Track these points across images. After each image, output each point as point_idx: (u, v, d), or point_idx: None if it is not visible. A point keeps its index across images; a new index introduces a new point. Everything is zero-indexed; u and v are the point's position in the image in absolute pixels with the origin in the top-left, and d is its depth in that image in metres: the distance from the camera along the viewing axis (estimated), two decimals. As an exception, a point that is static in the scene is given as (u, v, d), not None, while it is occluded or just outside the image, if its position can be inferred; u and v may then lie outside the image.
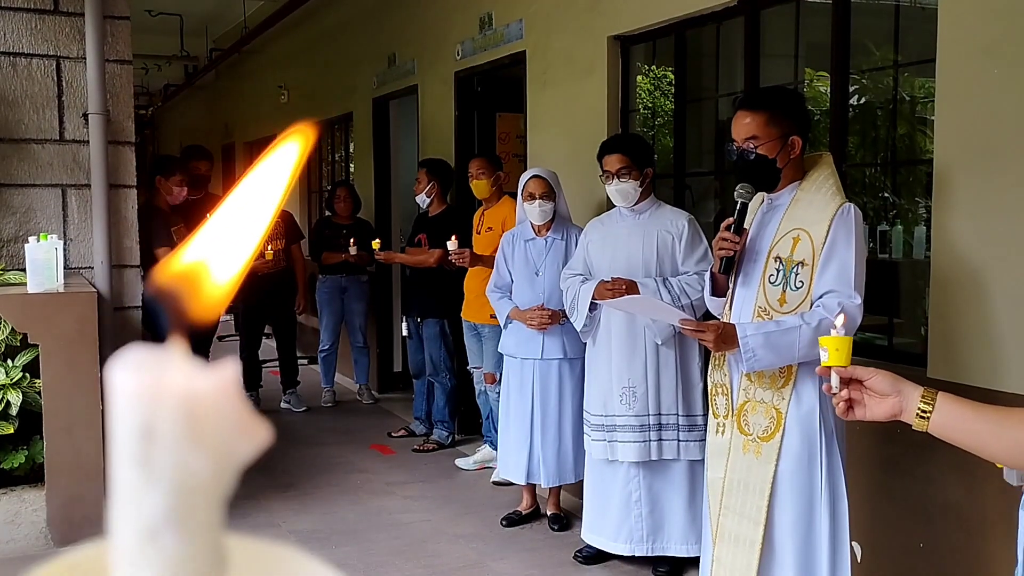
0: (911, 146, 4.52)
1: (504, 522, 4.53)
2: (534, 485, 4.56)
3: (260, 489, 5.05)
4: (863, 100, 4.42)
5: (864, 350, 3.43)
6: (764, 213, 2.88)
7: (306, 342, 8.94)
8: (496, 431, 5.18)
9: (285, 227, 6.86)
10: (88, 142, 4.50)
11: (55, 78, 4.52)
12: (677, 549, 3.86)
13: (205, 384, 0.36)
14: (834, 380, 1.53)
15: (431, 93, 6.68)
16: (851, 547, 2.83)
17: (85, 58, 4.47)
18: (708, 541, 2.94)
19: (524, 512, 4.59)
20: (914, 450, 3.15)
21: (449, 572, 4.02)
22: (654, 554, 3.88)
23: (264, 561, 0.40)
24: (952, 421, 1.44)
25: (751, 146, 2.78)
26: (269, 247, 6.48)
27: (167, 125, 17.53)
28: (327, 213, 7.41)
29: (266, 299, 6.64)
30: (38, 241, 3.94)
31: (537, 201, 4.35)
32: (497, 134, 6.47)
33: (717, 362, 2.96)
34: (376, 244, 6.03)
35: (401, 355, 7.48)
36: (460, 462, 5.56)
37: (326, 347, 7.22)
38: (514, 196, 5.29)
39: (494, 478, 5.19)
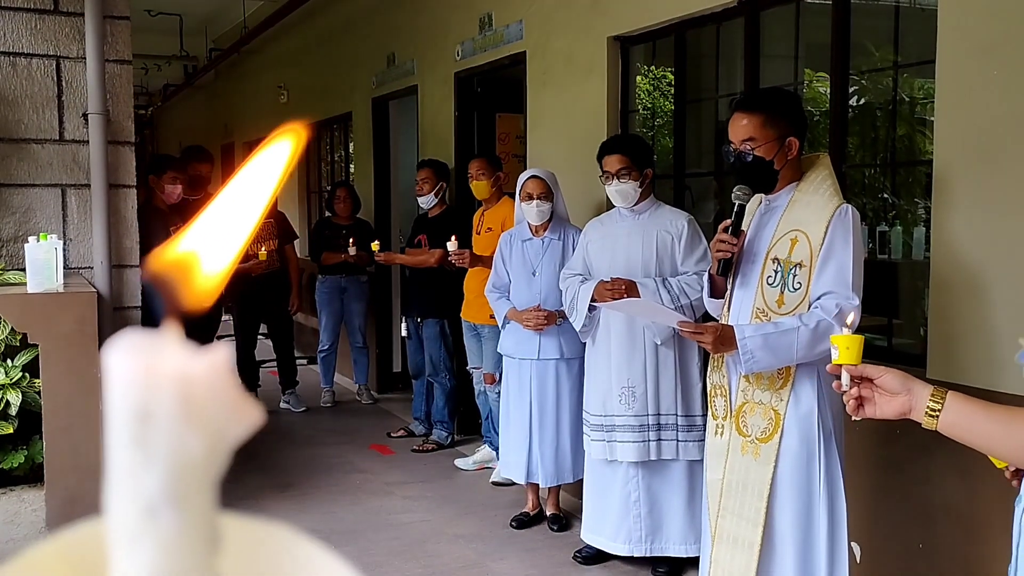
0: (910, 147, 4.53)
1: (513, 523, 4.53)
2: (537, 485, 4.56)
3: (259, 489, 5.05)
4: (863, 101, 4.42)
5: (863, 351, 3.43)
6: (762, 215, 2.88)
7: (305, 342, 8.94)
8: (496, 431, 5.19)
9: (278, 227, 6.84)
10: (88, 142, 4.50)
11: (55, 78, 4.52)
12: (676, 549, 3.86)
13: (199, 366, 0.37)
14: (844, 378, 1.54)
15: (431, 93, 6.68)
16: (850, 547, 2.83)
17: (85, 58, 4.47)
18: (707, 542, 2.94)
19: (532, 513, 4.60)
20: (913, 451, 3.16)
21: (448, 572, 4.02)
22: (653, 554, 3.88)
23: (256, 538, 0.42)
24: (962, 420, 1.44)
25: (748, 148, 2.79)
26: (263, 248, 6.45)
27: (167, 125, 17.53)
28: (327, 213, 7.41)
29: (260, 299, 6.64)
30: (38, 241, 3.94)
31: (535, 201, 4.35)
32: (497, 134, 6.47)
33: (716, 363, 2.96)
34: (375, 246, 6.03)
35: (401, 355, 7.48)
36: (459, 462, 5.56)
37: (325, 347, 7.22)
38: (514, 197, 5.30)
39: (493, 478, 5.20)
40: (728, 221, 2.82)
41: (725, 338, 2.74)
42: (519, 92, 5.64)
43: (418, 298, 5.95)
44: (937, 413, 1.45)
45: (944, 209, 3.08)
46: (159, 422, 0.36)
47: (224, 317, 7.27)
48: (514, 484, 4.79)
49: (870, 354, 3.38)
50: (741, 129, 2.80)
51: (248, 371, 6.94)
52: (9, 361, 4.04)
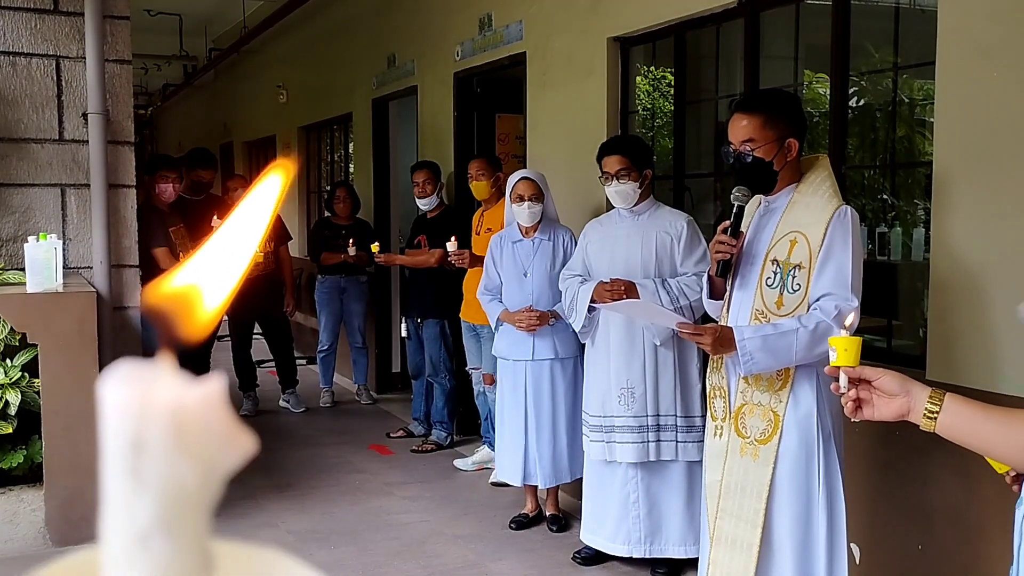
0: (910, 148, 4.53)
1: (513, 525, 4.53)
2: (535, 487, 4.56)
3: (259, 489, 5.05)
4: (862, 102, 4.42)
5: (863, 352, 3.43)
6: (761, 216, 2.88)
7: (305, 342, 8.94)
8: (494, 432, 5.19)
9: (274, 229, 6.85)
10: (87, 142, 4.50)
11: (55, 78, 4.52)
12: (675, 550, 3.86)
13: (192, 397, 0.38)
14: (842, 380, 1.53)
15: (431, 94, 6.68)
16: (849, 549, 2.83)
17: (85, 58, 4.47)
18: (705, 543, 2.94)
19: (531, 515, 4.60)
20: (912, 452, 3.16)
21: (448, 573, 4.02)
22: (652, 555, 3.88)
23: (251, 565, 0.42)
24: (960, 422, 1.44)
25: (748, 149, 2.79)
26: (259, 249, 6.46)
27: (166, 125, 17.53)
28: (326, 213, 7.41)
29: (252, 301, 6.63)
30: (37, 241, 3.94)
31: (526, 203, 4.36)
32: (496, 135, 6.47)
33: (715, 365, 2.96)
34: (375, 247, 6.02)
35: (400, 356, 7.48)
36: (459, 463, 5.56)
37: (325, 347, 7.22)
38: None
39: (493, 479, 5.19)
40: (727, 222, 2.82)
41: (724, 339, 2.74)
42: (519, 93, 5.64)
43: (418, 298, 5.95)
44: (935, 415, 1.45)
45: (944, 210, 3.09)
46: (152, 452, 0.37)
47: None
48: (512, 485, 4.79)
49: (870, 355, 3.39)
50: (741, 130, 2.80)
51: (245, 371, 6.95)
52: (8, 361, 4.04)
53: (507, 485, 4.93)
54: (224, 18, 11.01)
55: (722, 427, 2.90)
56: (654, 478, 3.86)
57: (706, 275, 3.06)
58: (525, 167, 5.33)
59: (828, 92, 3.77)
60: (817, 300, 2.68)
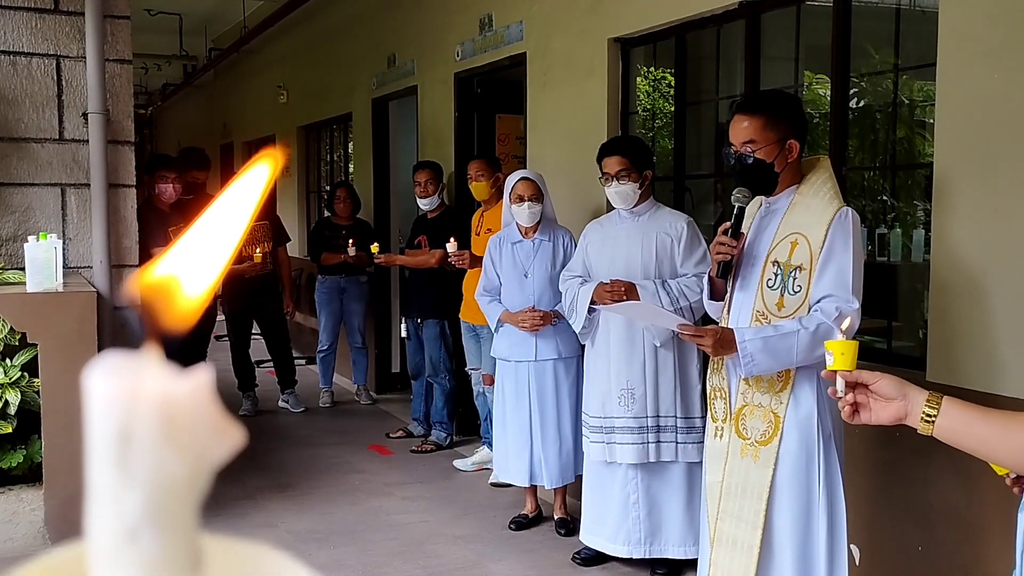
0: (910, 150, 4.53)
1: (512, 526, 4.52)
2: (535, 487, 4.56)
3: (258, 489, 5.05)
4: (863, 103, 4.42)
5: (863, 353, 3.42)
6: (762, 217, 2.88)
7: (304, 342, 8.94)
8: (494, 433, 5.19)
9: (273, 230, 6.86)
10: (87, 141, 4.50)
11: (55, 77, 4.52)
12: (675, 551, 3.86)
13: (180, 388, 0.37)
14: (839, 384, 1.53)
15: (431, 94, 6.68)
16: (849, 550, 2.83)
17: (85, 57, 4.47)
18: (706, 545, 2.94)
19: (531, 515, 4.59)
20: (912, 453, 3.16)
21: (447, 573, 4.02)
22: (652, 556, 3.88)
23: (240, 559, 0.42)
24: (957, 425, 1.44)
25: (749, 150, 2.78)
26: (258, 250, 6.48)
27: (166, 124, 17.53)
28: (326, 213, 7.41)
29: (250, 300, 6.64)
30: (37, 240, 3.94)
31: (526, 203, 4.35)
32: (496, 135, 6.47)
33: (715, 366, 2.96)
34: (375, 248, 6.02)
35: (400, 356, 7.48)
36: (458, 463, 5.56)
37: (324, 347, 7.22)
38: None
39: (492, 479, 5.19)
40: (728, 223, 2.82)
41: (725, 341, 2.74)
42: (519, 93, 5.64)
43: (418, 299, 5.95)
44: (933, 418, 1.45)
45: (944, 212, 3.09)
46: (140, 444, 0.37)
47: (218, 317, 7.28)
48: (512, 485, 4.78)
49: (870, 357, 3.39)
50: (742, 131, 2.80)
51: (244, 371, 6.94)
52: (8, 360, 4.04)
53: (507, 485, 4.93)
54: (224, 18, 11.00)
55: (722, 428, 2.89)
56: (654, 479, 3.86)
57: (707, 276, 3.06)
58: (525, 168, 5.33)
59: (828, 93, 3.77)
60: (818, 302, 2.68)
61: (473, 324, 5.24)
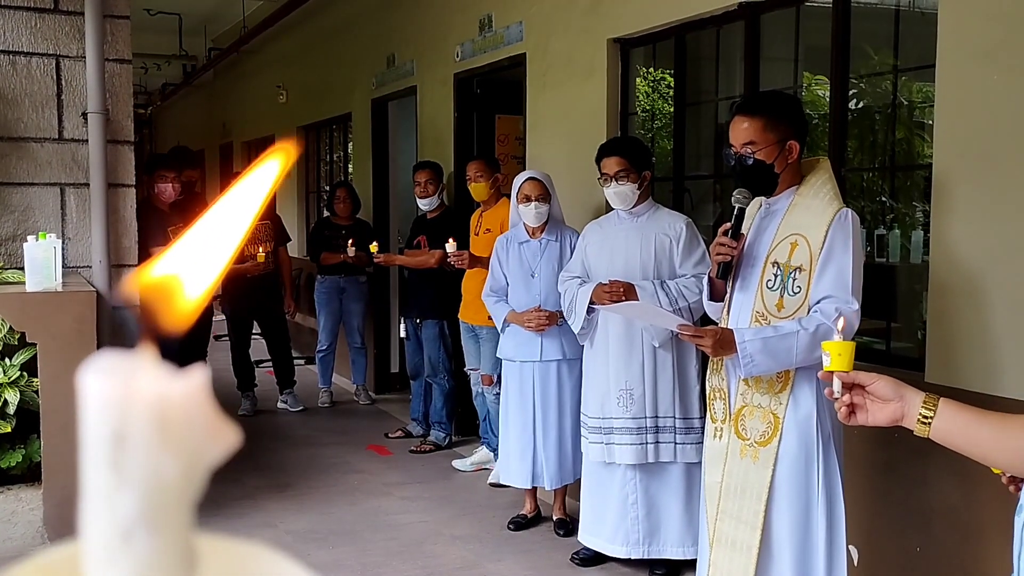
0: (909, 151, 4.53)
1: (511, 526, 4.52)
2: (535, 488, 4.56)
3: (257, 489, 5.05)
4: (862, 104, 4.43)
5: (862, 354, 3.43)
6: (762, 218, 2.88)
7: (304, 342, 8.94)
8: (493, 433, 5.18)
9: (275, 230, 6.88)
10: (87, 141, 4.49)
11: (54, 77, 4.52)
12: (673, 552, 3.86)
13: (175, 389, 0.37)
14: (836, 385, 1.53)
15: (430, 94, 6.68)
16: (848, 551, 2.83)
17: (84, 57, 4.47)
18: (705, 545, 2.94)
19: (530, 515, 4.59)
20: (911, 454, 3.16)
21: (446, 573, 4.02)
22: (650, 556, 3.88)
23: (235, 560, 0.41)
24: (954, 427, 1.44)
25: (749, 151, 2.79)
26: (261, 249, 6.50)
27: (165, 124, 17.52)
28: (326, 213, 7.41)
29: (251, 299, 6.64)
30: (36, 240, 3.94)
31: (533, 203, 4.35)
32: (496, 136, 6.47)
33: (715, 367, 2.97)
34: (374, 247, 6.02)
35: (399, 356, 7.48)
36: (457, 463, 5.56)
37: (324, 347, 7.22)
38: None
39: (491, 479, 5.19)
40: (728, 224, 2.83)
41: (725, 341, 2.74)
42: (519, 93, 5.64)
43: (417, 299, 5.95)
44: (929, 420, 1.45)
45: (943, 213, 3.09)
46: (134, 445, 0.36)
47: (218, 317, 7.29)
48: (511, 486, 4.78)
49: (869, 358, 3.39)
50: (742, 132, 2.80)
51: (243, 371, 6.94)
52: (7, 360, 4.04)
53: (506, 486, 4.93)
54: (224, 18, 11.00)
55: (722, 429, 2.90)
56: (653, 479, 3.86)
57: (706, 277, 3.06)
58: (525, 168, 5.33)
59: (828, 94, 3.77)
60: (818, 302, 2.69)
61: (472, 324, 5.24)
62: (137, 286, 0.41)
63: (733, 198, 2.83)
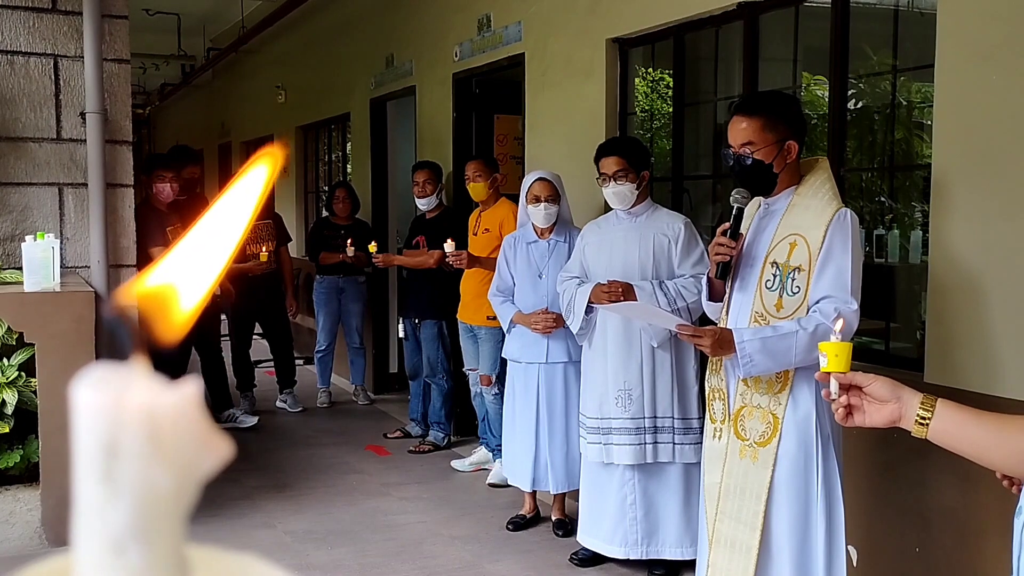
0: (908, 151, 4.53)
1: (510, 526, 4.52)
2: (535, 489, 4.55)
3: (256, 489, 5.04)
4: (861, 105, 4.43)
5: (861, 354, 3.44)
6: (761, 218, 2.88)
7: (302, 343, 8.94)
8: (492, 433, 5.18)
9: (276, 230, 6.88)
10: (85, 141, 4.49)
11: (52, 77, 4.51)
12: (672, 552, 3.86)
13: (167, 400, 0.37)
14: (833, 386, 1.52)
15: (429, 94, 6.68)
16: (847, 551, 2.83)
17: (83, 57, 4.46)
18: (704, 546, 2.94)
19: (529, 516, 4.59)
20: (910, 455, 3.16)
21: (444, 573, 4.01)
22: (649, 557, 3.88)
23: (227, 571, 0.41)
24: (952, 428, 1.43)
25: (747, 151, 2.78)
26: (264, 248, 6.51)
27: (164, 124, 17.51)
28: (325, 213, 7.41)
29: (253, 300, 6.63)
30: (35, 240, 3.94)
31: (542, 204, 4.33)
32: (495, 136, 6.47)
33: (714, 367, 2.96)
34: (373, 247, 6.01)
35: (397, 356, 7.47)
36: (456, 464, 5.55)
37: (322, 348, 7.21)
38: (511, 198, 5.29)
39: (490, 480, 5.19)
40: (727, 224, 2.82)
41: (724, 341, 2.74)
42: (517, 93, 5.64)
43: (416, 299, 5.94)
44: (927, 421, 1.44)
45: (943, 213, 3.09)
46: (127, 457, 0.36)
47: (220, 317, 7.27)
48: (510, 486, 4.78)
49: (868, 358, 3.39)
50: (740, 133, 2.80)
51: (243, 371, 6.94)
52: (5, 360, 4.03)
53: (504, 486, 4.92)
54: (222, 18, 10.99)
55: (721, 429, 2.89)
56: (651, 480, 3.85)
57: (705, 277, 3.06)
58: (524, 168, 5.33)
59: (827, 94, 3.77)
60: (816, 303, 2.68)
61: (470, 325, 5.23)
62: (131, 296, 0.41)
63: (732, 198, 2.83)
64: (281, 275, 6.92)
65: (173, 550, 0.38)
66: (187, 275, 0.42)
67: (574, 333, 3.99)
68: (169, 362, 0.40)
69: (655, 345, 3.78)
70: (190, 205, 5.96)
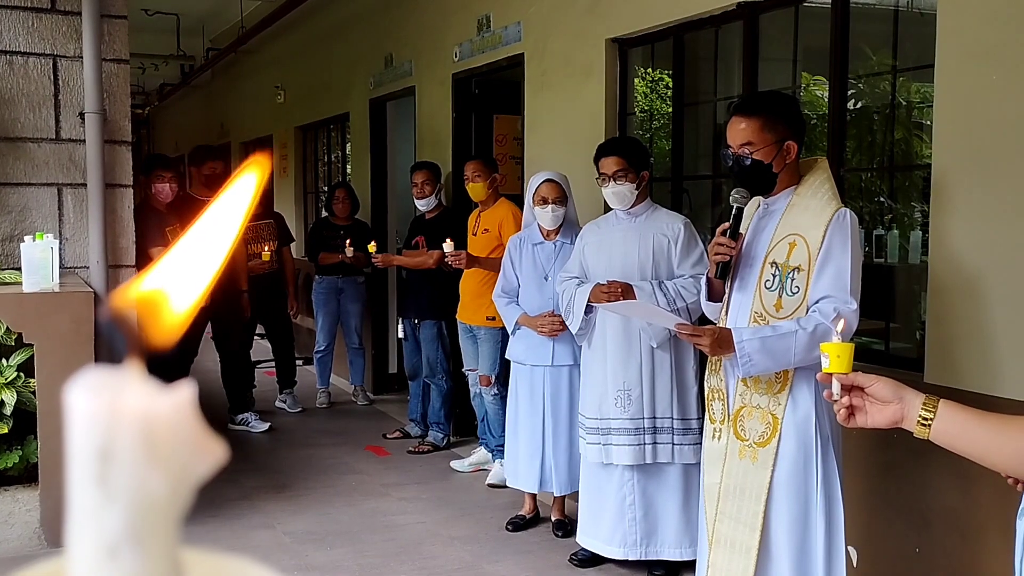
0: (908, 151, 4.53)
1: (509, 527, 4.51)
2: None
3: (255, 490, 5.04)
4: (861, 105, 4.43)
5: (860, 355, 3.43)
6: (760, 218, 2.88)
7: (301, 343, 8.93)
8: (491, 434, 5.17)
9: (278, 229, 6.88)
10: (84, 141, 4.49)
11: (51, 77, 4.51)
12: (671, 553, 3.85)
13: (161, 405, 0.37)
14: (835, 387, 1.52)
15: (428, 94, 6.68)
16: (847, 552, 2.83)
17: (82, 57, 4.46)
18: (704, 546, 2.93)
19: (528, 516, 4.58)
20: (910, 455, 3.15)
21: (444, 574, 4.01)
22: (648, 558, 3.88)
23: (221, 575, 0.41)
24: (954, 429, 1.43)
25: (746, 151, 2.78)
26: (266, 248, 6.51)
27: (163, 125, 17.51)
28: (324, 214, 7.40)
29: (255, 301, 6.62)
30: (34, 240, 3.93)
31: (550, 206, 4.30)
32: (494, 136, 6.46)
33: (713, 367, 2.96)
34: (372, 247, 6.01)
35: (397, 357, 7.47)
36: (455, 464, 5.55)
37: (321, 348, 7.21)
38: (511, 198, 5.29)
39: (489, 480, 5.19)
40: (726, 224, 2.82)
41: (723, 341, 2.73)
42: (517, 94, 5.63)
43: (415, 300, 5.94)
44: (929, 422, 1.44)
45: (942, 213, 3.08)
46: (121, 461, 0.36)
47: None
48: (509, 487, 4.77)
49: (868, 358, 3.39)
50: (739, 133, 2.80)
51: (244, 371, 6.93)
52: (4, 360, 4.03)
53: (504, 486, 4.92)
54: (222, 18, 10.99)
55: (720, 429, 2.89)
56: (650, 480, 3.85)
57: (704, 277, 3.06)
58: (523, 169, 5.32)
59: (826, 95, 3.77)
60: (816, 303, 2.68)
61: (470, 325, 5.22)
62: (125, 300, 0.41)
63: (731, 197, 2.82)
64: (283, 275, 6.92)
65: (167, 554, 0.38)
66: (178, 280, 0.42)
67: (573, 333, 3.98)
68: (168, 365, 0.39)
69: (654, 345, 3.78)
70: (199, 206, 5.91)
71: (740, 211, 2.81)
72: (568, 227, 4.41)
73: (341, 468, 5.57)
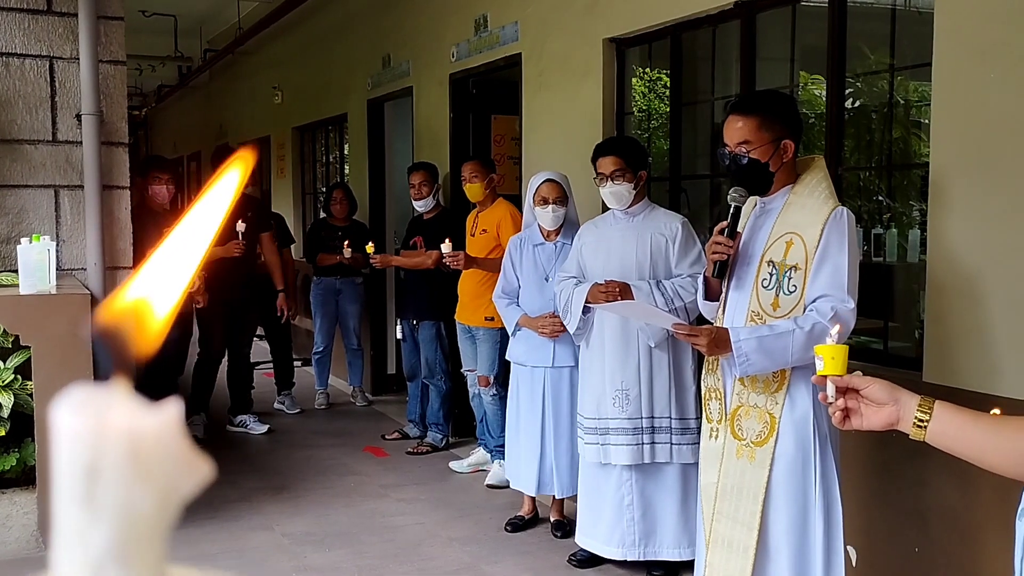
0: (906, 150, 4.53)
1: (509, 527, 4.50)
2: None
3: (253, 491, 5.03)
4: (858, 104, 4.42)
5: (859, 354, 3.43)
6: (757, 217, 2.88)
7: (300, 344, 8.92)
8: (490, 434, 5.17)
9: (278, 230, 6.78)
10: (81, 143, 4.48)
11: (48, 78, 4.50)
12: (669, 553, 3.85)
13: (148, 422, 0.37)
14: (830, 389, 1.51)
15: (426, 95, 6.67)
16: (846, 552, 2.82)
17: (78, 58, 4.45)
18: (702, 546, 2.93)
19: (527, 517, 4.57)
20: (909, 454, 3.15)
21: (443, 575, 4.00)
22: (647, 558, 3.87)
23: None
24: (950, 430, 1.42)
25: (743, 150, 2.78)
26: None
27: (161, 126, 17.50)
28: (322, 215, 7.39)
29: (256, 301, 6.60)
30: (30, 242, 3.92)
31: (550, 206, 4.29)
32: (492, 136, 6.46)
33: (711, 366, 2.96)
34: (370, 248, 6.00)
35: (395, 357, 7.46)
36: (454, 465, 5.54)
37: (320, 349, 7.20)
38: (509, 199, 5.28)
39: (488, 481, 5.18)
40: (724, 223, 2.82)
41: (720, 340, 2.73)
42: (514, 94, 5.63)
43: (413, 300, 5.93)
44: (925, 423, 1.43)
45: (940, 212, 3.08)
46: (107, 478, 0.36)
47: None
48: (508, 487, 4.77)
49: (866, 357, 3.39)
50: (736, 132, 2.79)
51: (244, 372, 6.92)
52: (1, 363, 4.02)
53: (503, 487, 4.91)
54: (219, 19, 10.98)
55: (718, 429, 2.89)
56: (649, 480, 3.84)
57: (701, 276, 3.05)
58: (521, 169, 5.32)
59: (824, 94, 3.76)
60: (813, 301, 2.68)
61: (468, 325, 5.22)
62: (111, 315, 0.41)
63: (728, 196, 2.82)
64: (284, 276, 6.87)
65: (153, 571, 0.38)
66: (158, 286, 0.42)
67: (571, 333, 3.98)
68: (155, 381, 0.39)
69: (652, 345, 3.77)
70: (240, 206, 5.71)
71: (738, 210, 2.81)
72: (569, 227, 4.39)
73: (340, 469, 5.56)
